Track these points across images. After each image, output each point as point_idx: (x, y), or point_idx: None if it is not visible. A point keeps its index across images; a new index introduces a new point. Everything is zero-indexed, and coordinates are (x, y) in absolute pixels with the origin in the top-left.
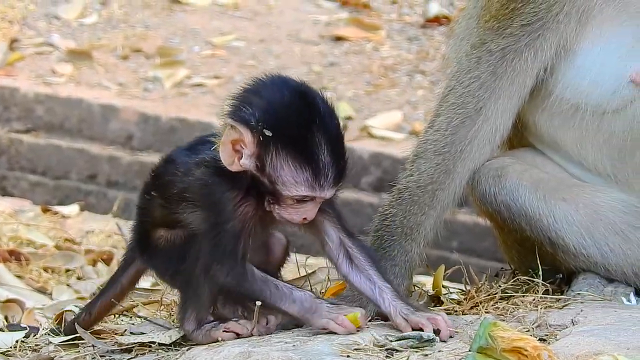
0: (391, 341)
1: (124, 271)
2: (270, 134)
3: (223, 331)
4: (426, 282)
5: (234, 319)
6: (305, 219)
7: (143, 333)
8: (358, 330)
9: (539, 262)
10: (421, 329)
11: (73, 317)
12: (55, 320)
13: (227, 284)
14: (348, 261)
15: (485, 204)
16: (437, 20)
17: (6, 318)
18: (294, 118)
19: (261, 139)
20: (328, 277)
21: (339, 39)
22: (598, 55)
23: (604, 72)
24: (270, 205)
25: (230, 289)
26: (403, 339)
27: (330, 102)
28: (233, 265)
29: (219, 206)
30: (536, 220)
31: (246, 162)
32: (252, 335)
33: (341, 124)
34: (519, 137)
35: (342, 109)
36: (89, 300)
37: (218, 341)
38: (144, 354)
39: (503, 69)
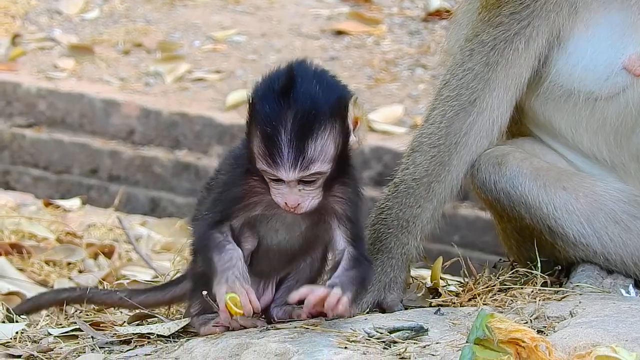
0: (388, 333)
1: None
2: (251, 100)
3: (213, 325)
4: (426, 275)
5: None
6: (286, 204)
7: (141, 325)
8: (232, 317)
9: (537, 253)
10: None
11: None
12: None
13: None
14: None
15: (485, 192)
16: (438, 14)
17: (8, 311)
18: (269, 91)
19: (248, 105)
20: None
21: (340, 33)
22: (590, 42)
23: (596, 59)
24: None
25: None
26: (397, 331)
27: (321, 88)
28: (204, 221)
29: (230, 173)
30: (536, 208)
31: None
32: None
33: (325, 112)
34: (518, 125)
35: None
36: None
37: (216, 333)
38: (142, 345)
39: (495, 59)
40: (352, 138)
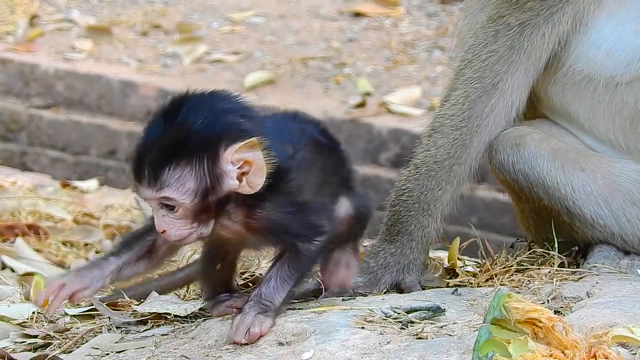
0: (405, 313)
1: None
2: None
3: (226, 306)
4: (444, 257)
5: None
6: (164, 232)
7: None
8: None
9: (554, 234)
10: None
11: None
12: None
13: None
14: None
15: (503, 172)
16: None
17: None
18: (160, 109)
19: None
20: None
21: (358, 14)
22: (614, 28)
23: (618, 44)
24: None
25: None
26: (414, 311)
27: (205, 123)
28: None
29: None
30: (554, 189)
31: None
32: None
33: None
34: (532, 110)
35: (361, 85)
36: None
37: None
38: (159, 325)
39: (521, 43)
40: (233, 182)
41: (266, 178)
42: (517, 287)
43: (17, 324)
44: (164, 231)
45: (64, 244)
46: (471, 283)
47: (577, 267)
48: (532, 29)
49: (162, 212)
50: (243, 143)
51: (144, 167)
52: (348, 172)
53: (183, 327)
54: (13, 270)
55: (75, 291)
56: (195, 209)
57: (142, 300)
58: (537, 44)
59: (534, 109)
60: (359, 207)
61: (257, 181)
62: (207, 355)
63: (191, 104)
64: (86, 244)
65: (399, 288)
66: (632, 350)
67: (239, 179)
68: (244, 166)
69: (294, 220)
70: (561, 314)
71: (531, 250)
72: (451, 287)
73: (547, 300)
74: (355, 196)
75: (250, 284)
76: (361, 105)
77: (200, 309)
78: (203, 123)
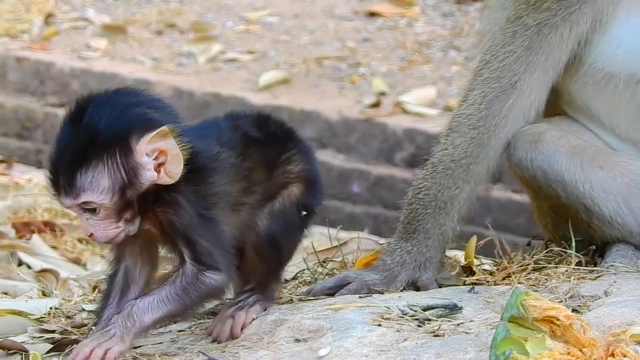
0: (422, 311)
1: None
2: None
3: None
4: (460, 256)
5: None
6: (91, 234)
7: None
8: None
9: (572, 232)
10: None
11: None
12: (93, 290)
13: None
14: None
15: (522, 169)
16: None
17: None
18: (66, 115)
19: None
20: (359, 247)
21: (373, 14)
22: (633, 26)
23: (639, 42)
24: None
25: None
26: (431, 309)
27: (111, 119)
28: None
29: None
30: (572, 186)
31: None
32: None
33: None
34: (552, 106)
35: (376, 85)
36: None
37: None
38: (176, 321)
39: (538, 43)
40: (150, 174)
41: (186, 174)
42: (534, 286)
43: (35, 319)
44: (91, 234)
45: (79, 241)
46: (488, 281)
47: (595, 266)
48: (549, 29)
49: (86, 215)
50: (154, 133)
51: (58, 176)
52: (297, 166)
53: (200, 323)
54: (29, 267)
55: None
56: (117, 207)
57: None
58: (555, 45)
59: (554, 105)
60: (274, 233)
61: (175, 170)
62: (224, 352)
63: (95, 104)
64: None
65: (415, 286)
66: None
67: (157, 170)
68: (160, 156)
69: (200, 228)
70: (579, 312)
71: (548, 249)
72: (468, 285)
73: (565, 299)
74: (280, 215)
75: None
76: (376, 105)
77: (216, 305)
78: (109, 120)
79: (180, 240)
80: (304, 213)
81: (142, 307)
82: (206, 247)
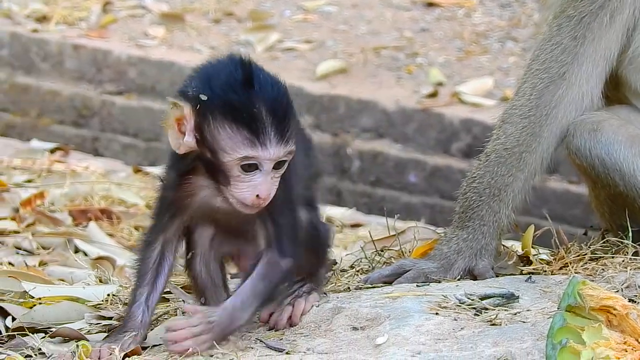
0: (479, 300)
1: None
2: (205, 98)
3: None
4: (517, 246)
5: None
6: (258, 197)
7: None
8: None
9: (628, 223)
10: None
11: None
12: None
13: None
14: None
15: (580, 158)
16: None
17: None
18: (228, 81)
19: (198, 107)
20: (415, 237)
21: (430, 4)
22: None
23: None
24: (224, 189)
25: None
26: (488, 298)
27: (272, 73)
28: (144, 233)
29: (160, 186)
30: (630, 175)
31: (189, 140)
32: None
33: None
34: (615, 92)
35: (433, 75)
36: None
37: None
38: None
39: (582, 32)
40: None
41: None
42: (590, 276)
43: (92, 306)
44: (268, 194)
45: (136, 228)
46: (545, 271)
47: None
48: (589, 18)
49: (272, 173)
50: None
51: (271, 130)
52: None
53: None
54: (86, 254)
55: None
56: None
57: None
58: (598, 33)
59: (617, 91)
60: (315, 222)
61: (187, 139)
62: (282, 339)
63: (252, 67)
64: None
65: (472, 274)
66: None
67: None
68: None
69: (286, 212)
70: (635, 302)
71: (605, 239)
72: (525, 274)
73: (621, 289)
74: (314, 204)
75: None
76: (433, 95)
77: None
78: (273, 79)
79: (265, 221)
80: None
81: (239, 306)
82: (287, 232)
